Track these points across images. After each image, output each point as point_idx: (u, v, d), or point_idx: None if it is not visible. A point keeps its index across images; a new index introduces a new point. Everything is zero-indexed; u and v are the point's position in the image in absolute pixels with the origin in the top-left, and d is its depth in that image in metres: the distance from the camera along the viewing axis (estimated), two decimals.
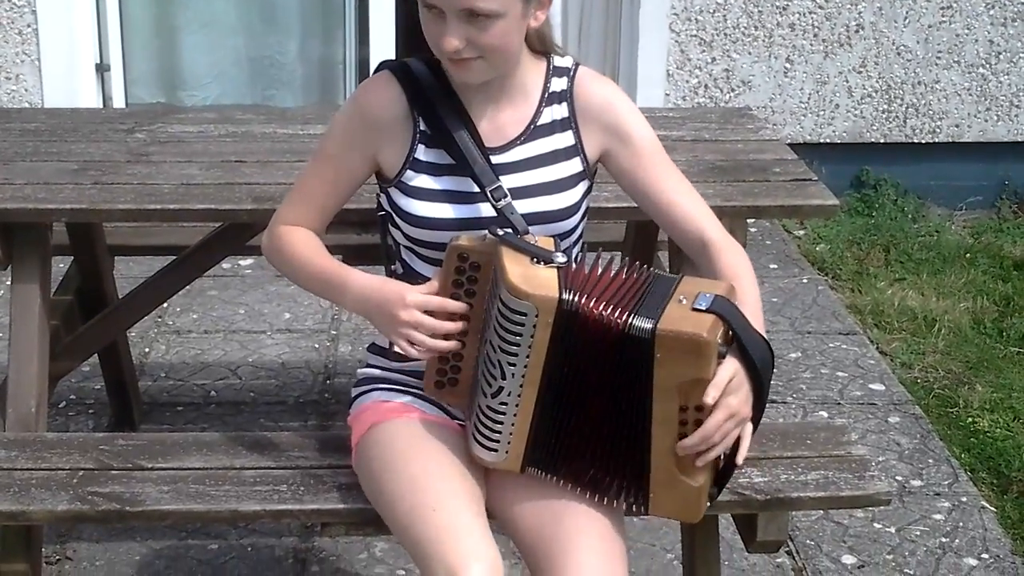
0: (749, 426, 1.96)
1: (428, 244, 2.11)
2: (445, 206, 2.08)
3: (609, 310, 1.90)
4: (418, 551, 1.96)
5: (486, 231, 2.00)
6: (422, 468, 2.03)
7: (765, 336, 1.96)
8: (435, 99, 2.08)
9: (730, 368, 1.89)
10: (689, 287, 1.94)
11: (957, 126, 5.37)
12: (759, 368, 1.92)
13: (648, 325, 1.88)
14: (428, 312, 1.99)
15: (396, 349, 2.08)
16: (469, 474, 2.05)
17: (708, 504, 2.01)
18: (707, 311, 1.89)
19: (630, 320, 1.89)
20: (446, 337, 2.00)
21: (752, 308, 2.01)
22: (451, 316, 2.00)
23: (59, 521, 2.39)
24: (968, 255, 4.92)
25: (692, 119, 3.20)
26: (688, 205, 2.13)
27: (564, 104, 2.13)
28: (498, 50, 1.99)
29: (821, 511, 3.17)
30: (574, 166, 2.13)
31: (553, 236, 2.04)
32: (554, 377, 1.95)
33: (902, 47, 5.25)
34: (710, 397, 1.86)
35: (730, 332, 1.91)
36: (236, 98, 5.41)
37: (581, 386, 1.95)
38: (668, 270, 2.93)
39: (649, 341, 1.88)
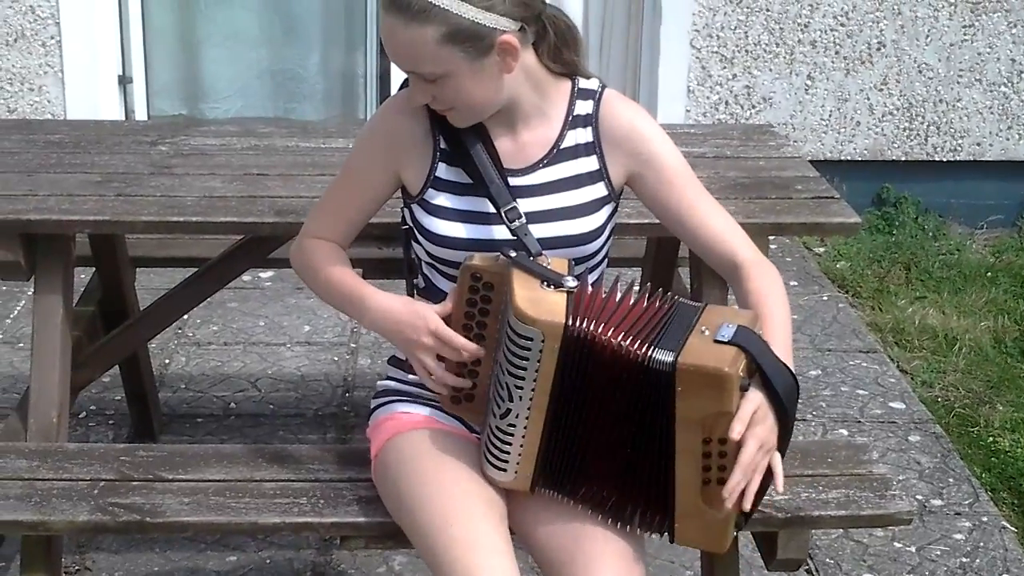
0: (777, 454, 1.93)
1: (447, 262, 2.11)
2: (460, 225, 2.08)
3: (628, 340, 1.88)
4: (436, 564, 1.96)
5: (499, 252, 1.99)
6: (441, 480, 2.03)
7: (791, 359, 1.95)
8: None
9: (754, 401, 1.86)
10: (712, 317, 1.91)
11: (979, 144, 5.36)
12: (783, 397, 1.89)
13: (668, 358, 1.86)
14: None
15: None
16: (489, 487, 2.05)
17: (734, 534, 2.00)
18: (729, 343, 1.86)
19: (650, 352, 1.87)
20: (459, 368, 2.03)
21: (781, 329, 2.00)
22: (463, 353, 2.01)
23: (79, 532, 2.39)
24: (989, 274, 4.90)
25: (713, 136, 3.19)
26: (718, 227, 2.12)
27: (589, 128, 2.11)
28: (463, 103, 2.00)
29: (841, 530, 3.15)
30: (598, 191, 2.12)
31: (569, 259, 2.02)
32: (563, 402, 1.94)
33: (924, 65, 5.24)
34: (735, 432, 1.84)
35: (753, 363, 1.88)
36: (258, 111, 5.43)
37: (595, 412, 1.94)
38: (689, 287, 2.92)
39: (669, 374, 1.86)
